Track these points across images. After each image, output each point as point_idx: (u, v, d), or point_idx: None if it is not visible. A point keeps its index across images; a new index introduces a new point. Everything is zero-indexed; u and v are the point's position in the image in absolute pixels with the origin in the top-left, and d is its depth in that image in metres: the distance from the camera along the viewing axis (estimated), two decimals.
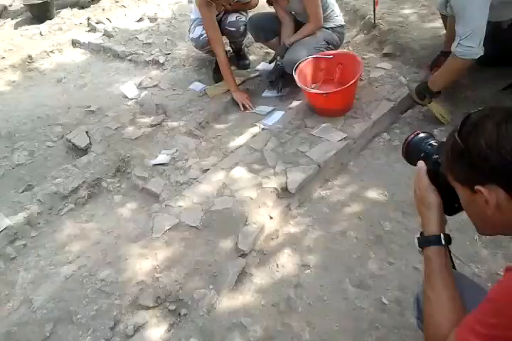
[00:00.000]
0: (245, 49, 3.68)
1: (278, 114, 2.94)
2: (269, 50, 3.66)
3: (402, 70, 2.98)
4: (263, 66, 3.56)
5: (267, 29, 3.10)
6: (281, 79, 3.08)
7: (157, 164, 2.70)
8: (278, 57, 2.96)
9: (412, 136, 1.20)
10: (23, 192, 2.72)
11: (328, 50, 2.98)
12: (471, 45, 2.10)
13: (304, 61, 2.76)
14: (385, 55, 3.22)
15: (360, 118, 2.66)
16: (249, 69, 3.58)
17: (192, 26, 3.26)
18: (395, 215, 2.11)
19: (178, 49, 4.06)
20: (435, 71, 2.69)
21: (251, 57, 3.70)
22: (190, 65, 3.83)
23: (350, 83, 2.50)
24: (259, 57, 3.73)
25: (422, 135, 1.19)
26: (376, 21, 3.44)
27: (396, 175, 2.33)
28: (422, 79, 2.82)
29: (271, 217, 2.23)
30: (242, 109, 3.11)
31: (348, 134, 2.54)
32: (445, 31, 2.76)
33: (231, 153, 2.68)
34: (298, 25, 3.02)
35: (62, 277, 2.06)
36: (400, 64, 3.06)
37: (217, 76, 3.53)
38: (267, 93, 3.30)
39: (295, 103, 3.02)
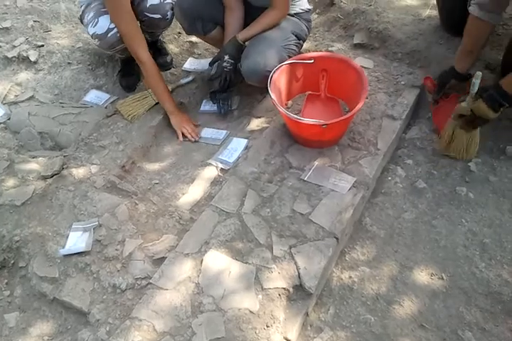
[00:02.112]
0: (162, 39, 2.61)
1: (238, 144, 2.04)
2: (194, 38, 2.66)
3: (389, 69, 2.24)
4: (193, 64, 2.56)
5: (206, 16, 2.09)
6: (230, 91, 2.15)
7: (71, 254, 1.68)
8: (226, 57, 2.00)
9: None
10: None
11: (298, 47, 2.11)
12: None
13: (277, 70, 1.87)
14: (357, 45, 2.45)
15: (363, 148, 1.90)
16: (172, 69, 2.55)
17: (89, 13, 2.10)
18: (471, 316, 1.44)
19: (54, 37, 2.82)
20: (445, 99, 1.98)
21: (172, 50, 2.65)
22: (79, 62, 2.66)
23: (358, 107, 1.70)
24: (182, 50, 2.70)
25: None
26: None
27: (443, 241, 1.65)
28: (420, 85, 2.14)
29: (288, 340, 1.43)
30: (180, 139, 2.14)
31: (357, 177, 1.78)
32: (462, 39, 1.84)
33: (190, 221, 1.76)
34: (249, 10, 2.08)
35: None
36: (383, 60, 2.31)
37: (129, 82, 2.47)
38: (206, 106, 2.35)
39: (256, 122, 2.14)
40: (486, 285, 1.50)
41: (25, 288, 1.67)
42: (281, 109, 1.75)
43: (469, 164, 1.82)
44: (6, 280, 1.70)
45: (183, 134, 2.12)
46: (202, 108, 2.34)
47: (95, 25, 2.05)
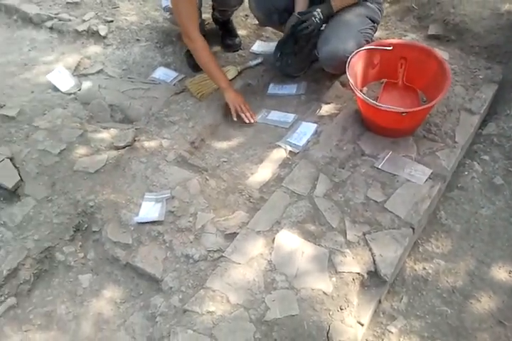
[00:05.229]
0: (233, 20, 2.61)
1: (307, 128, 2.03)
2: None
3: (466, 62, 2.19)
4: (260, 46, 2.55)
5: (281, 7, 2.07)
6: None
7: (144, 222, 1.71)
8: (318, 10, 1.89)
9: None
10: None
11: (373, 31, 2.08)
12: None
13: (355, 54, 1.84)
14: (431, 37, 2.40)
15: (439, 140, 1.86)
16: (240, 51, 2.55)
17: None
18: None
19: (122, 13, 2.86)
20: None
21: (239, 32, 2.64)
22: (148, 39, 2.69)
23: (441, 97, 1.66)
24: (249, 32, 2.69)
25: None
26: None
27: None
28: (499, 80, 2.08)
29: (361, 324, 1.42)
30: (234, 118, 2.12)
31: (433, 169, 1.75)
32: None
33: (261, 200, 1.76)
34: None
35: None
36: (459, 52, 2.26)
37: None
38: (274, 89, 2.34)
39: (325, 108, 2.12)
40: None
41: (98, 252, 1.71)
42: (360, 94, 1.73)
43: None
44: (80, 243, 1.75)
45: (238, 115, 2.10)
46: (269, 91, 2.34)
47: None
